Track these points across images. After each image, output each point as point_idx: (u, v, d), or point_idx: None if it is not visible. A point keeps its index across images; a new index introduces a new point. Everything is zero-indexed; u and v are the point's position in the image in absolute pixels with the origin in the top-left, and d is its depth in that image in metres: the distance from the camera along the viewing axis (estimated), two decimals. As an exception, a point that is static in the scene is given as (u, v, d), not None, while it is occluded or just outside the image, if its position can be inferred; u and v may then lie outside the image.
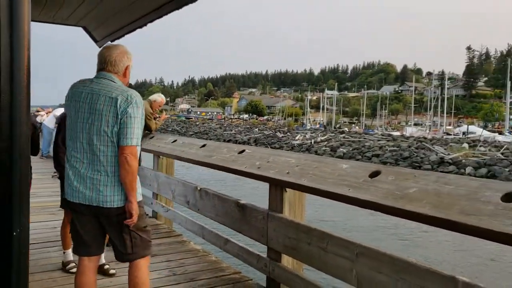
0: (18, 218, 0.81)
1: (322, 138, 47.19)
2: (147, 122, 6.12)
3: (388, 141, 42.57)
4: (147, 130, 6.47)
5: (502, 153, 31.40)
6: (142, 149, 6.33)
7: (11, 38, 0.79)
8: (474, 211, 2.09)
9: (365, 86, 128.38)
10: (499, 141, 40.13)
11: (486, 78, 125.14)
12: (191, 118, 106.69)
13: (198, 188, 4.52)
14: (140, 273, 2.73)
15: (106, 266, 3.82)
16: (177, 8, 3.11)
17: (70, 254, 3.90)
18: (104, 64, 2.68)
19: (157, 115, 6.65)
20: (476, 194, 2.19)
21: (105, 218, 2.65)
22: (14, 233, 0.80)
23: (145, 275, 2.77)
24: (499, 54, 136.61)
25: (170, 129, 69.87)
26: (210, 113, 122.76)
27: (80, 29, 4.57)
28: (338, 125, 79.02)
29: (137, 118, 2.56)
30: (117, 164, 2.56)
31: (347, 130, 63.48)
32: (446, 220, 2.13)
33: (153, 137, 6.54)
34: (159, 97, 6.58)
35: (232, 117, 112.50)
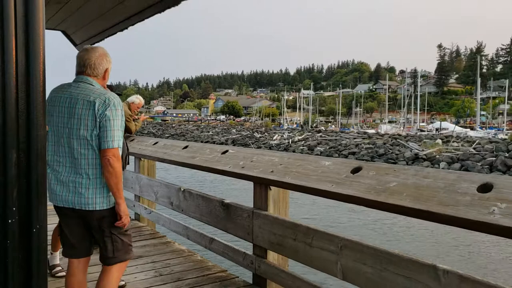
0: (36, 215, 0.86)
1: (300, 137, 47.54)
2: (126, 124, 6.11)
3: (363, 139, 43.19)
4: (127, 132, 6.46)
5: (474, 148, 32.24)
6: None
7: (26, 46, 0.84)
8: (452, 202, 2.20)
9: (340, 85, 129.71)
10: (471, 137, 41.17)
11: (457, 75, 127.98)
12: (167, 120, 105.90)
13: (182, 189, 4.56)
14: (110, 278, 2.72)
15: None
16: (160, 11, 3.15)
17: (56, 257, 3.86)
18: (84, 67, 2.67)
19: (136, 117, 6.65)
20: (453, 186, 2.31)
21: (89, 221, 2.67)
22: (34, 229, 0.86)
23: (114, 280, 2.74)
24: (469, 52, 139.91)
25: (146, 132, 69.18)
26: (186, 114, 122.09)
27: (59, 32, 4.56)
28: (314, 124, 79.66)
29: (116, 121, 2.58)
30: (98, 167, 2.59)
31: (324, 129, 64.04)
32: (426, 212, 2.24)
33: (133, 139, 6.54)
34: (137, 99, 6.58)
35: (209, 118, 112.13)
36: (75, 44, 4.84)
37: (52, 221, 2.70)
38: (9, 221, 0.83)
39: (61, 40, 5.25)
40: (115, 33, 4.15)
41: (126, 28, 3.77)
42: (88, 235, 2.77)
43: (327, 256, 2.85)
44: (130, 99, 6.57)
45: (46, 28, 4.81)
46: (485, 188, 2.19)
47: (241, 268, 3.81)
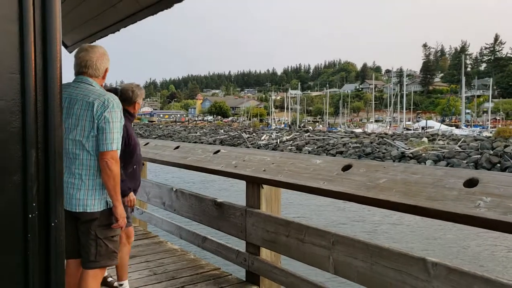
0: (54, 210, 0.92)
1: (288, 137, 47.68)
2: None
3: (351, 138, 43.48)
4: None
5: (459, 146, 32.67)
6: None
7: (44, 50, 0.90)
8: (440, 197, 2.29)
9: (327, 85, 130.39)
10: (456, 135, 41.72)
11: (442, 74, 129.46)
12: (154, 121, 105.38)
13: (174, 189, 4.60)
14: (89, 283, 2.66)
15: (110, 279, 3.69)
16: (153, 14, 3.19)
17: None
18: (85, 67, 2.65)
19: None
20: (441, 181, 2.40)
21: (78, 222, 2.64)
22: (52, 224, 0.91)
23: (92, 286, 2.69)
24: (453, 51, 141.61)
25: (133, 133, 68.64)
26: (173, 115, 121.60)
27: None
28: (302, 124, 79.92)
29: (115, 123, 2.56)
30: (92, 168, 2.56)
31: (312, 129, 64.28)
32: (415, 206, 2.33)
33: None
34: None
35: (196, 119, 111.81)
36: (66, 46, 4.85)
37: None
38: (30, 216, 0.88)
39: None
40: (107, 35, 4.18)
41: (118, 30, 3.80)
42: (78, 237, 2.70)
43: (319, 252, 2.93)
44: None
45: (37, 30, 4.84)
46: (471, 183, 2.28)
47: (234, 266, 3.87)
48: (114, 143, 2.55)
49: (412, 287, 2.37)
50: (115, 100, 2.61)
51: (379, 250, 2.58)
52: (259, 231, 3.50)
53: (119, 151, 2.63)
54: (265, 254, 3.67)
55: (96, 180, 2.57)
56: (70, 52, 4.74)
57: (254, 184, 3.62)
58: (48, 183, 0.90)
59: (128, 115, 3.47)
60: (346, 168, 2.95)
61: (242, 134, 55.19)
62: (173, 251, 4.65)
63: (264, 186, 3.58)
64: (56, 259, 0.91)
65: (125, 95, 3.48)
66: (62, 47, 3.64)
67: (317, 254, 2.96)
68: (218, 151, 4.26)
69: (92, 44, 2.83)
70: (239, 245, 3.93)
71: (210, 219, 4.04)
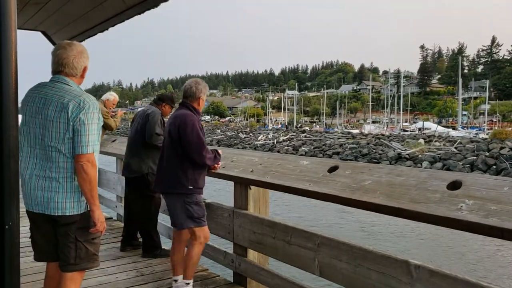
0: (9, 212, 0.90)
1: (284, 138, 47.69)
2: (106, 121, 6.09)
3: (347, 139, 43.50)
4: (108, 129, 6.43)
5: (455, 148, 32.72)
6: (105, 153, 6.31)
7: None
8: (423, 199, 2.28)
9: (325, 86, 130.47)
10: (452, 136, 41.76)
11: (439, 76, 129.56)
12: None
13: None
14: (68, 286, 2.59)
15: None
16: (140, 13, 3.17)
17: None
18: (61, 66, 2.53)
19: (113, 113, 6.59)
20: (425, 183, 2.39)
21: (56, 225, 2.55)
22: (6, 226, 0.89)
23: None
24: (450, 53, 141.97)
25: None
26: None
27: (39, 33, 4.54)
28: (299, 125, 79.88)
29: (91, 125, 2.45)
30: (69, 170, 2.48)
31: (308, 129, 64.25)
32: (398, 209, 2.31)
33: (115, 140, 6.53)
34: (111, 96, 6.59)
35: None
36: (55, 45, 4.82)
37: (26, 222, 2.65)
38: (-17, 218, 0.86)
39: (43, 40, 5.25)
40: (96, 34, 4.15)
41: (107, 29, 3.78)
42: (56, 240, 2.61)
43: (305, 254, 2.91)
44: (104, 96, 6.55)
45: (26, 29, 4.77)
46: (454, 185, 2.27)
47: (222, 267, 3.86)
48: (90, 145, 2.45)
49: (395, 290, 2.36)
50: (91, 101, 2.50)
51: (363, 252, 2.57)
52: (246, 232, 3.48)
53: (97, 154, 2.55)
54: (253, 255, 3.65)
55: (74, 182, 2.49)
56: (60, 51, 4.68)
57: (241, 185, 3.61)
58: (2, 185, 0.88)
59: (194, 111, 3.47)
60: (333, 169, 2.93)
61: (239, 134, 55.18)
62: (162, 251, 4.61)
63: (252, 187, 3.56)
64: (10, 261, 0.89)
65: (189, 92, 3.50)
66: (49, 46, 3.56)
67: (303, 256, 2.94)
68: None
69: (71, 41, 2.71)
70: (227, 246, 3.91)
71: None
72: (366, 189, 2.59)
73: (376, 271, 2.47)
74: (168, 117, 4.20)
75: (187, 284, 3.46)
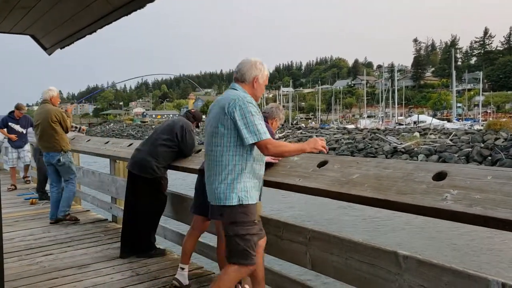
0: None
1: (280, 135, 47.73)
2: (66, 123, 5.98)
3: (343, 134, 43.63)
4: (66, 131, 6.10)
5: (451, 140, 32.86)
6: (99, 155, 6.32)
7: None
8: (409, 190, 2.31)
9: (319, 82, 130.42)
10: (447, 128, 41.92)
11: (433, 69, 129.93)
12: (147, 122, 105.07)
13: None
14: (223, 275, 2.73)
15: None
16: (126, 14, 3.18)
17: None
18: (236, 73, 2.90)
19: (62, 109, 6.22)
20: (411, 175, 2.42)
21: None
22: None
23: (225, 281, 2.71)
24: (444, 45, 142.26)
25: (125, 134, 68.61)
26: (166, 115, 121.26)
27: (28, 37, 4.54)
28: (295, 121, 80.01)
29: (248, 117, 2.62)
30: (224, 163, 2.65)
31: (304, 126, 64.39)
32: (385, 201, 2.34)
33: (108, 142, 6.53)
34: (54, 92, 6.11)
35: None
36: (44, 48, 4.82)
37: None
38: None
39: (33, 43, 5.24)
40: (84, 36, 4.15)
41: (95, 31, 3.78)
42: None
43: (297, 248, 2.94)
44: (48, 95, 6.08)
45: (14, 33, 4.77)
46: (439, 176, 2.30)
47: (216, 264, 3.87)
48: (260, 133, 2.62)
49: (385, 281, 2.39)
50: (245, 98, 2.69)
51: (353, 245, 2.60)
52: (239, 229, 3.50)
53: (271, 136, 2.71)
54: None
55: (233, 174, 2.65)
56: (50, 54, 4.71)
57: (233, 182, 3.62)
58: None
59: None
60: (322, 164, 2.96)
61: (235, 133, 55.04)
62: (157, 251, 4.64)
63: (244, 184, 3.58)
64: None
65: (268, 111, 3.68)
66: (41, 50, 3.61)
67: (294, 250, 2.97)
68: (199, 150, 4.26)
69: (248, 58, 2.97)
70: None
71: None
72: (355, 182, 2.62)
73: (366, 263, 2.50)
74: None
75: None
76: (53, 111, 5.93)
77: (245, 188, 2.67)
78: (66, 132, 6.11)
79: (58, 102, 6.23)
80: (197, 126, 4.65)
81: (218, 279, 2.76)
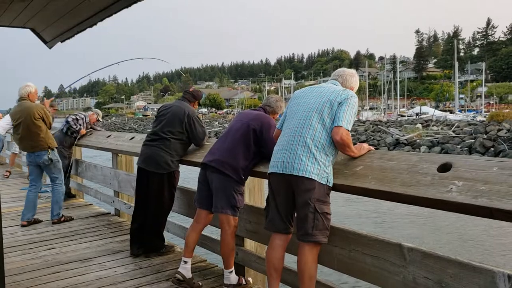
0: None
1: (282, 127, 47.61)
2: (50, 119, 5.71)
3: (345, 126, 43.41)
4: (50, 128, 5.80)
5: (453, 131, 32.75)
6: (101, 148, 6.31)
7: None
8: (414, 182, 2.29)
9: (321, 74, 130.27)
10: (450, 120, 41.78)
11: (435, 60, 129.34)
12: (149, 115, 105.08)
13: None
14: (304, 257, 2.65)
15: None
16: (127, 7, 3.15)
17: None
18: (338, 77, 3.10)
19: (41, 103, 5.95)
20: (416, 167, 2.40)
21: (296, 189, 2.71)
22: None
23: (308, 262, 2.64)
24: (446, 36, 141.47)
25: (127, 128, 68.67)
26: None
27: (28, 30, 4.51)
28: (296, 114, 79.64)
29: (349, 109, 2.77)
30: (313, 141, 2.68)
31: (306, 118, 64.05)
32: (389, 193, 2.33)
33: (110, 135, 6.52)
34: (32, 88, 5.75)
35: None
36: (45, 42, 4.80)
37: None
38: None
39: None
40: (85, 29, 4.12)
41: (95, 24, 3.75)
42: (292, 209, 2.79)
43: (300, 241, 2.92)
44: (25, 91, 5.73)
45: (14, 26, 4.75)
46: (444, 167, 2.28)
47: (219, 257, 3.86)
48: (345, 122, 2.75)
49: (389, 273, 2.38)
50: (350, 92, 2.85)
51: (357, 237, 2.59)
52: (242, 222, 3.50)
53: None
54: (249, 244, 3.68)
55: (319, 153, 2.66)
56: (50, 47, 4.70)
57: (236, 175, 3.61)
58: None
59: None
60: (325, 156, 2.93)
61: (237, 126, 55.05)
62: (160, 244, 4.63)
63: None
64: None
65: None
66: (42, 43, 3.59)
67: (298, 242, 2.95)
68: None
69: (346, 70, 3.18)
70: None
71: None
72: (359, 174, 2.60)
73: (370, 255, 2.49)
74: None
75: (230, 272, 3.46)
76: (35, 107, 5.55)
77: (332, 172, 2.69)
78: (49, 128, 5.76)
79: (36, 99, 5.87)
80: (199, 104, 4.58)
81: (304, 266, 2.65)
